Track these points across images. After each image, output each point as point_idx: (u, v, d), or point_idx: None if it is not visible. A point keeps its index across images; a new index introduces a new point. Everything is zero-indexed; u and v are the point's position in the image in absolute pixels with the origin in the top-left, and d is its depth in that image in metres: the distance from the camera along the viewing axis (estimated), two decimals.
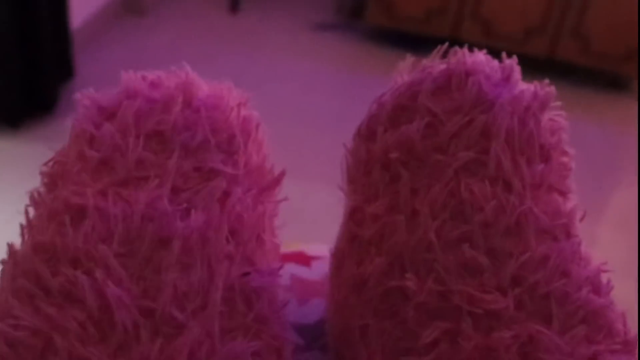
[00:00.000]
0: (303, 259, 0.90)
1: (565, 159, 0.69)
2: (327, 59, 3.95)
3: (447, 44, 0.73)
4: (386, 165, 0.67)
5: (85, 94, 0.69)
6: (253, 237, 0.65)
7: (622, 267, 2.65)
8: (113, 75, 0.73)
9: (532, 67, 3.94)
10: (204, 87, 0.71)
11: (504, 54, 0.71)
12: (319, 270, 0.76)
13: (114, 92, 0.70)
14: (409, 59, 0.72)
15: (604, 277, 0.64)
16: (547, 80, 0.70)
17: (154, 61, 3.55)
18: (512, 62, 0.70)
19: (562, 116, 0.70)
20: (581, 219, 0.68)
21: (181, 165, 0.64)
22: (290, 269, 0.88)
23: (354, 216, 0.69)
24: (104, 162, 0.65)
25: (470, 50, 0.71)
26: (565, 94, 3.83)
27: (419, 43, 3.95)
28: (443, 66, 0.69)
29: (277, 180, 0.72)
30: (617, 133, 3.61)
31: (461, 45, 0.71)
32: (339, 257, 0.71)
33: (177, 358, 0.55)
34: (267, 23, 4.25)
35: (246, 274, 0.62)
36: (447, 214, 0.63)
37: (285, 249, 0.90)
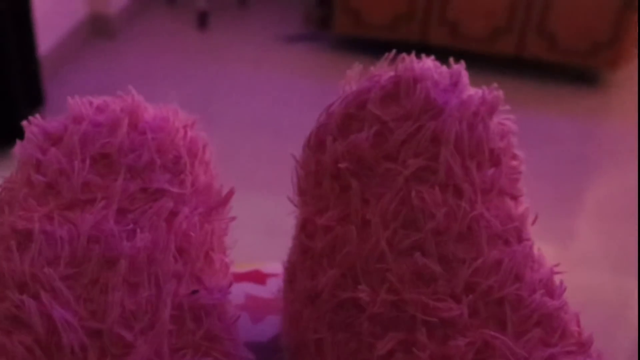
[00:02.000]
0: (258, 278, 0.91)
1: (515, 163, 0.69)
2: (298, 70, 3.96)
3: (394, 51, 0.72)
4: (336, 176, 0.66)
5: (32, 121, 0.70)
6: (201, 255, 0.66)
7: (600, 258, 2.65)
8: None
9: (502, 66, 3.97)
10: (149, 110, 0.72)
11: (451, 60, 0.71)
12: (274, 288, 0.76)
13: (61, 117, 0.70)
14: (357, 67, 0.72)
15: (556, 279, 0.64)
16: (495, 85, 0.70)
17: (126, 83, 3.54)
18: (460, 68, 0.70)
19: (511, 120, 0.70)
20: (533, 222, 0.68)
21: (127, 187, 0.65)
22: (245, 288, 0.88)
23: (305, 228, 0.69)
24: (50, 187, 0.65)
25: (439, 54, 0.72)
26: (536, 91, 3.85)
27: (388, 49, 3.92)
28: (391, 73, 0.69)
29: (226, 200, 0.72)
30: (588, 126, 3.63)
31: (430, 49, 0.72)
32: (292, 270, 0.71)
33: None
34: (236, 37, 4.25)
35: (195, 292, 0.62)
36: (399, 223, 0.62)
37: (241, 269, 0.91)
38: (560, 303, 0.62)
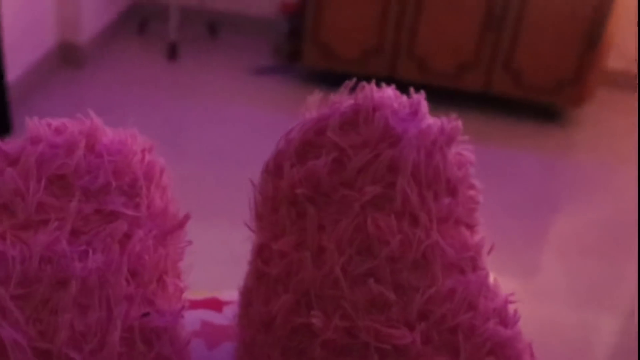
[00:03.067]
0: (215, 305, 0.90)
1: (472, 193, 0.69)
2: (267, 102, 3.95)
3: (354, 79, 0.73)
4: (293, 202, 0.67)
5: None
6: (154, 278, 0.65)
7: (563, 293, 2.66)
8: None
9: (469, 101, 3.99)
10: (108, 133, 0.72)
11: (411, 89, 0.71)
12: (231, 315, 0.76)
13: (20, 139, 0.70)
14: (317, 94, 0.72)
15: (510, 309, 0.65)
16: (454, 115, 0.70)
17: (94, 112, 3.51)
18: (420, 98, 0.70)
19: (470, 150, 0.70)
20: (489, 252, 0.68)
21: (82, 208, 0.65)
22: (202, 315, 0.87)
23: (261, 254, 0.69)
24: (4, 207, 0.65)
25: (407, 88, 0.72)
26: (502, 126, 3.87)
27: (356, 83, 3.92)
28: (350, 101, 0.69)
29: (181, 224, 0.72)
30: (552, 161, 3.65)
31: (398, 84, 0.72)
32: (248, 296, 0.70)
33: None
34: (205, 69, 4.25)
35: (146, 314, 0.62)
36: (354, 249, 0.62)
37: (199, 296, 0.90)
38: (514, 332, 0.63)
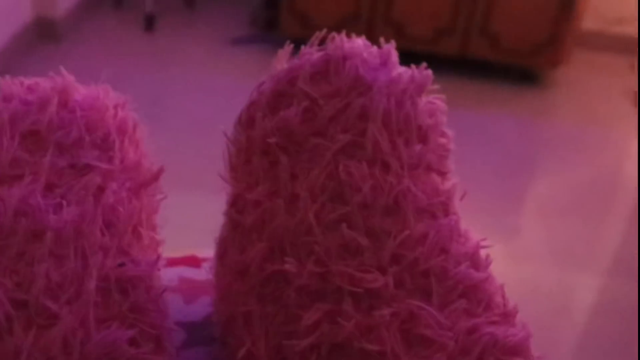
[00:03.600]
0: (193, 262, 0.91)
1: (443, 140, 0.70)
2: (245, 72, 3.93)
3: (325, 30, 0.73)
4: (266, 151, 0.67)
5: None
6: (129, 229, 0.66)
7: (543, 253, 2.67)
8: None
9: (446, 66, 3.99)
10: (80, 90, 0.73)
11: (381, 39, 0.72)
12: (209, 269, 0.76)
13: None
14: (288, 46, 0.73)
15: (482, 253, 0.65)
16: (424, 64, 0.71)
17: None
18: (390, 47, 0.71)
19: (441, 99, 0.70)
20: (461, 198, 0.69)
21: (56, 162, 0.65)
22: (180, 271, 0.88)
23: (235, 204, 0.69)
24: None
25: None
26: (479, 90, 3.87)
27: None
28: (321, 52, 0.70)
29: (154, 177, 0.73)
30: (530, 124, 3.65)
31: None
32: (223, 245, 0.71)
33: (51, 348, 0.56)
34: (183, 40, 4.22)
35: (121, 264, 0.62)
36: (326, 197, 0.63)
37: (177, 254, 0.91)
38: (485, 275, 0.63)
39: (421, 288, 0.61)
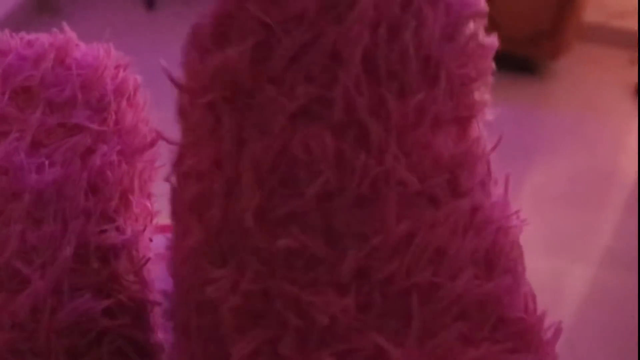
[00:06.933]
0: None
1: (468, 70, 0.48)
2: None
3: None
4: (210, 105, 0.47)
5: None
6: (116, 195, 0.60)
7: (536, 242, 2.64)
8: None
9: None
10: (81, 48, 0.68)
11: None
12: None
13: None
14: None
15: (510, 237, 0.49)
16: None
17: None
18: None
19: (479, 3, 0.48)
20: (492, 150, 0.53)
21: (45, 121, 0.60)
22: (169, 239, 0.82)
23: (178, 165, 0.51)
24: None
25: None
26: None
27: None
28: None
29: (151, 143, 0.66)
30: (527, 113, 3.61)
31: None
32: (172, 219, 0.53)
33: (19, 313, 0.52)
34: (183, 18, 4.15)
35: (104, 231, 0.58)
36: (276, 181, 0.44)
37: (167, 221, 0.86)
38: (502, 282, 0.46)
39: (397, 312, 0.43)
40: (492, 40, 0.51)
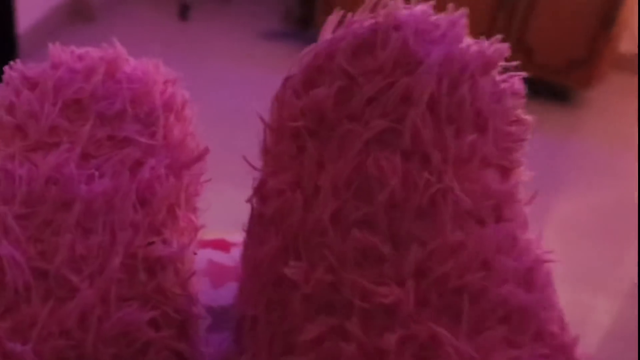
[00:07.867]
0: (223, 246, 0.86)
1: (513, 129, 0.58)
2: (276, 66, 3.87)
3: None
4: (295, 135, 0.57)
5: (12, 65, 0.69)
6: (164, 208, 0.62)
7: (559, 274, 2.64)
8: None
9: None
10: (131, 62, 0.70)
11: (450, 5, 0.59)
12: (238, 256, 0.72)
13: (42, 64, 0.69)
14: (338, 12, 0.60)
15: (541, 270, 0.54)
16: (498, 36, 0.60)
17: None
18: (461, 15, 0.60)
19: (519, 79, 0.59)
20: (530, 200, 0.60)
21: (95, 133, 0.62)
22: (209, 254, 0.84)
23: (259, 191, 0.60)
24: (18, 128, 0.63)
25: None
26: None
27: None
28: (371, 20, 0.58)
29: (198, 157, 0.68)
30: (558, 142, 3.61)
31: None
32: (247, 236, 0.62)
33: (66, 321, 0.53)
34: (216, 31, 4.18)
35: (151, 243, 0.59)
36: (351, 193, 0.53)
37: (207, 236, 0.87)
38: (538, 297, 0.52)
39: (450, 309, 0.50)
40: (529, 118, 0.62)
